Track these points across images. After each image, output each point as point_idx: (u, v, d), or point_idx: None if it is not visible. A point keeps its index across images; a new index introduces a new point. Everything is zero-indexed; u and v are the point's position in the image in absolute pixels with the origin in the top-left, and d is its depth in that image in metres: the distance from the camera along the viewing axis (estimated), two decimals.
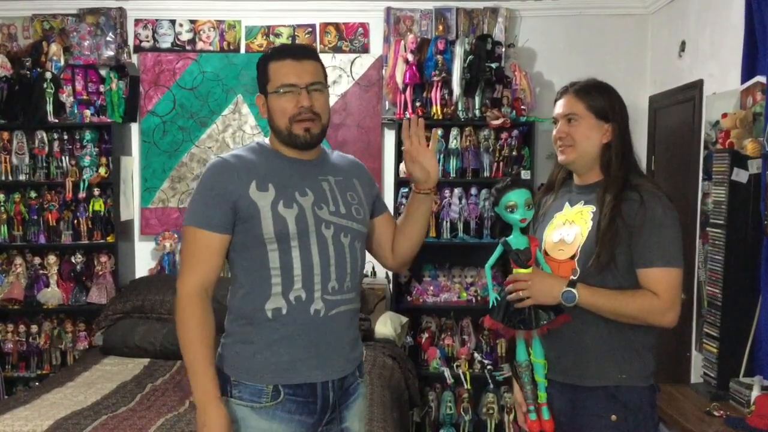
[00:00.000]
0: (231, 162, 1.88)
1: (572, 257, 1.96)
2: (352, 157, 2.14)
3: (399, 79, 4.43)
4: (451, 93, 4.42)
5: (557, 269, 1.97)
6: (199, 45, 4.66)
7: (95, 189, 4.44)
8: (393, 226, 2.11)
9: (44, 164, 4.45)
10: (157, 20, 4.65)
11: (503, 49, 4.48)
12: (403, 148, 1.99)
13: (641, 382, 1.96)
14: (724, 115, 3.15)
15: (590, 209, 1.99)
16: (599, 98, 2.00)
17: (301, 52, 1.92)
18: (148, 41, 4.66)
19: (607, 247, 1.89)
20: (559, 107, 2.05)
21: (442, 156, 4.46)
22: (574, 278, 1.92)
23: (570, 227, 2.00)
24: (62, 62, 4.50)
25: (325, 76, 1.96)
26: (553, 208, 2.11)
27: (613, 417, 1.93)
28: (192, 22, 4.65)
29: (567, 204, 2.06)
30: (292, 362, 1.85)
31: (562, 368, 1.98)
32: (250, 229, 1.84)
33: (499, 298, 1.97)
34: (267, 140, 1.99)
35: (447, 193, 4.45)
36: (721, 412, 2.75)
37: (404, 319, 4.38)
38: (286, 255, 1.83)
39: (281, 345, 1.85)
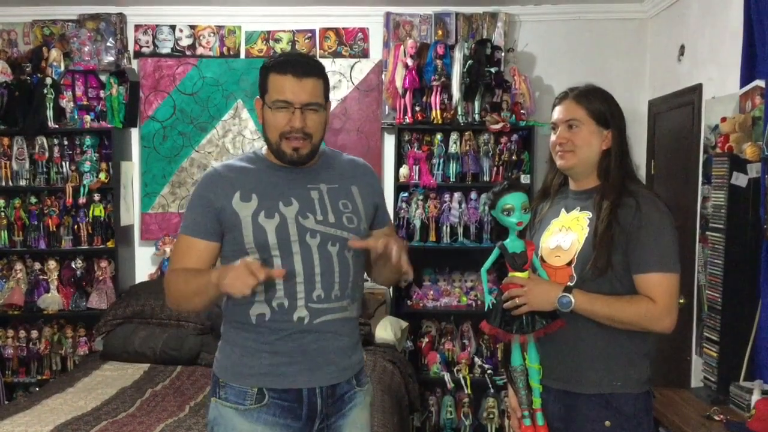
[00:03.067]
0: (220, 172, 1.93)
1: (569, 263, 1.96)
2: (362, 162, 2.09)
3: (399, 83, 4.43)
4: (450, 97, 4.43)
5: (554, 276, 1.97)
6: (199, 50, 4.67)
7: (95, 194, 4.45)
8: None
9: (44, 170, 4.46)
10: (157, 26, 4.66)
11: (503, 54, 4.48)
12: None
13: (636, 389, 1.96)
14: (724, 119, 3.15)
15: (586, 215, 1.98)
16: (599, 104, 2.00)
17: (304, 69, 1.85)
18: (148, 47, 4.67)
19: (604, 253, 1.89)
20: (559, 113, 2.03)
21: (442, 160, 4.46)
22: (571, 284, 1.92)
23: (566, 233, 2.00)
24: (62, 68, 4.50)
25: (327, 91, 1.91)
26: (549, 215, 2.10)
27: (607, 423, 1.93)
28: (192, 27, 4.66)
29: (563, 210, 2.06)
30: (276, 366, 1.87)
31: (557, 374, 1.98)
32: (234, 239, 1.88)
33: (495, 302, 1.96)
34: (264, 148, 1.99)
35: (447, 197, 4.45)
36: (722, 416, 2.74)
37: (404, 324, 4.37)
38: (268, 264, 1.84)
39: (265, 349, 1.87)
